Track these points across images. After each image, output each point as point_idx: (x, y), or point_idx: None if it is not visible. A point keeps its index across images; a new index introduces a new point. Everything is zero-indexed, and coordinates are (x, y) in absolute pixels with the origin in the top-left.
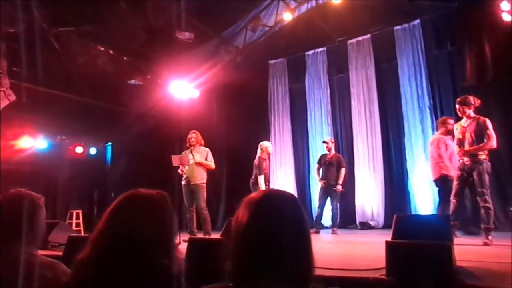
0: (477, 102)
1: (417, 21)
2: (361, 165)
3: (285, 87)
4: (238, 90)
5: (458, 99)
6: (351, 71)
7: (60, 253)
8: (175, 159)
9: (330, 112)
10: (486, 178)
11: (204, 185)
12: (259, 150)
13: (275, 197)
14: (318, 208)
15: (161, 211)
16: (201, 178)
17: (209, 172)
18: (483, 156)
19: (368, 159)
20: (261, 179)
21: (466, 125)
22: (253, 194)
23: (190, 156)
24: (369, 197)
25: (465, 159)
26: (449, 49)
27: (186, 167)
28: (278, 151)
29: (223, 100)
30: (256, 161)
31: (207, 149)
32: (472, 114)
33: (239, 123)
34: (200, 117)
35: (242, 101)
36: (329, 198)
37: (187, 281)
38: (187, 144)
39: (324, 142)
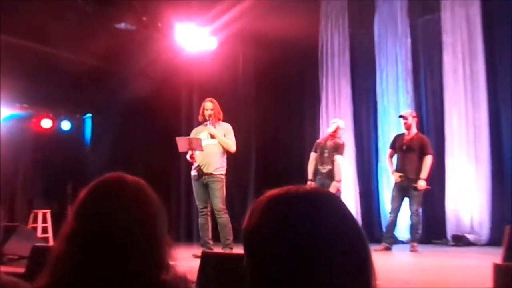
0: None
1: None
2: (456, 151)
3: (345, 35)
4: (276, 39)
5: None
6: (444, 11)
7: (22, 270)
8: (181, 143)
9: (411, 72)
10: None
11: (223, 177)
12: (332, 129)
13: (308, 197)
14: (390, 213)
15: (142, 202)
16: (218, 166)
17: (230, 158)
18: None
19: (466, 142)
20: (340, 159)
21: None
22: (273, 192)
23: (204, 134)
24: (468, 199)
25: None
26: None
27: (198, 152)
28: None
29: (252, 53)
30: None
31: (227, 125)
32: None
33: (275, 88)
34: (219, 79)
35: (280, 55)
36: (406, 199)
37: None
38: (200, 117)
39: (401, 116)
